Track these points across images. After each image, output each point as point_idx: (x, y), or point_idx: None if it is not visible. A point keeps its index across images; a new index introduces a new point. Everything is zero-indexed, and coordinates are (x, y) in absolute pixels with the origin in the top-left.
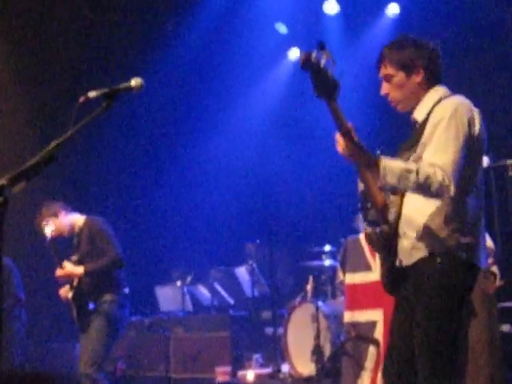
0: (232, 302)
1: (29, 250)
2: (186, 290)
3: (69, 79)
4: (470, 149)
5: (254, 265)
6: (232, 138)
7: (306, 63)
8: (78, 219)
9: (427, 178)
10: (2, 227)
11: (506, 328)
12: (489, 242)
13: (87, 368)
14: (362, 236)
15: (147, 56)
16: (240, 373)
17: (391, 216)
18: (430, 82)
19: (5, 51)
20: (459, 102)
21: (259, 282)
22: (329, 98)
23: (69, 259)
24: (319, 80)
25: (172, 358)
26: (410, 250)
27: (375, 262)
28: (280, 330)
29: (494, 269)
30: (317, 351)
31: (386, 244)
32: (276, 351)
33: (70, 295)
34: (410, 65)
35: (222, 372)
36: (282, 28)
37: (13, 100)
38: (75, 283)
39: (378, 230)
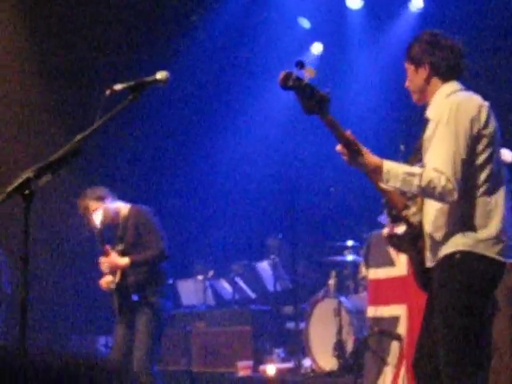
0: (254, 296)
1: (47, 242)
2: (207, 284)
3: (92, 72)
4: (474, 147)
5: (277, 259)
6: (256, 132)
7: (286, 83)
8: (123, 207)
9: (430, 182)
10: (29, 219)
11: None
12: None
13: (144, 364)
14: (385, 230)
15: (172, 49)
16: (261, 367)
17: (413, 217)
18: (439, 78)
19: (29, 44)
20: (462, 100)
21: (281, 276)
22: (321, 113)
23: (113, 249)
24: (305, 97)
25: (194, 352)
26: (433, 249)
27: (398, 258)
28: (302, 325)
29: None
30: (339, 346)
31: (410, 244)
32: (298, 346)
33: (112, 286)
34: (418, 59)
35: (243, 366)
36: (305, 23)
37: (38, 93)
38: (118, 274)
39: (398, 231)
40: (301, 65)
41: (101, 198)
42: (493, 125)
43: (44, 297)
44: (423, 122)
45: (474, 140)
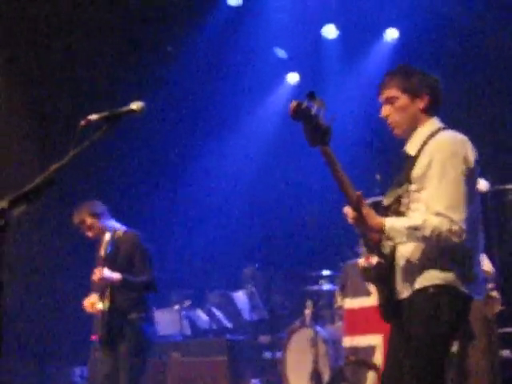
0: (230, 326)
1: (21, 270)
2: (183, 313)
3: (71, 102)
4: (470, 185)
5: (253, 289)
6: (231, 161)
7: (296, 113)
8: (117, 228)
9: (434, 230)
10: (3, 250)
11: (506, 353)
12: (488, 266)
13: None
14: (361, 260)
15: (148, 77)
16: None
17: (386, 249)
18: (431, 111)
19: (10, 74)
20: (453, 139)
21: (257, 306)
22: (322, 145)
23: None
24: (312, 129)
25: (169, 382)
26: (406, 282)
27: (373, 285)
28: (278, 355)
29: (494, 293)
30: (315, 376)
31: (382, 277)
32: (274, 376)
33: (99, 306)
34: (416, 90)
35: None
36: (280, 52)
37: (16, 122)
38: (108, 294)
39: (372, 263)
40: (312, 96)
41: (97, 215)
42: (476, 160)
43: (17, 326)
44: (401, 156)
45: (469, 178)
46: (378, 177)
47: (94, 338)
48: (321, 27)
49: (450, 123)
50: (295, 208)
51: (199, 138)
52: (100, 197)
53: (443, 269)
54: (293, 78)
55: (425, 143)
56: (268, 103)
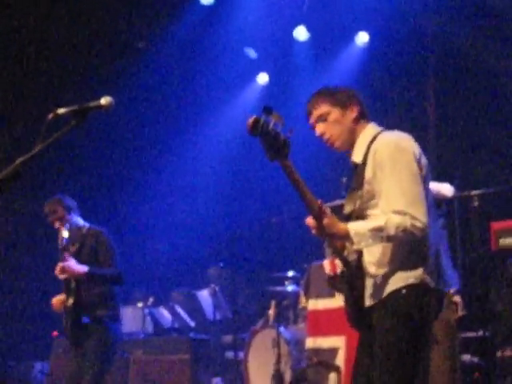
0: (193, 324)
1: None
2: (147, 311)
3: (39, 95)
4: (422, 180)
5: (217, 288)
6: (198, 160)
7: (254, 128)
8: (83, 225)
9: (397, 228)
10: None
11: (466, 358)
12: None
13: None
14: (325, 262)
15: (118, 73)
16: None
17: (352, 256)
18: (364, 118)
19: None
20: (397, 137)
21: (221, 305)
22: (281, 159)
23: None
24: (270, 143)
25: (131, 380)
26: (375, 287)
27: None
28: (241, 355)
29: (456, 298)
30: (277, 377)
31: (347, 284)
32: (236, 375)
33: (69, 302)
34: (344, 102)
35: None
36: (251, 52)
37: None
38: (73, 291)
39: (336, 272)
40: (268, 111)
41: (69, 209)
42: (424, 159)
43: None
44: (350, 167)
45: (420, 174)
46: (343, 179)
47: (54, 334)
48: (292, 29)
49: (418, 127)
50: (261, 208)
51: (166, 136)
52: (66, 192)
53: (411, 267)
54: (263, 78)
55: (368, 148)
56: (237, 103)
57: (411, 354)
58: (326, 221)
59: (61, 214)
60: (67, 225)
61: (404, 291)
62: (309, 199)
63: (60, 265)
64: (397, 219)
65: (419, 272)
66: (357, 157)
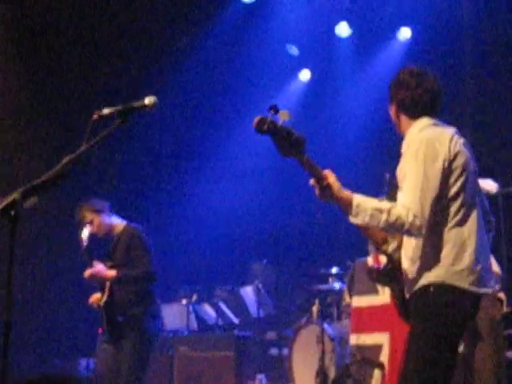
0: (237, 321)
1: (28, 263)
2: (191, 308)
3: (83, 95)
4: (445, 181)
5: (260, 285)
6: (242, 157)
7: (261, 127)
8: (118, 223)
9: (398, 218)
10: (14, 240)
11: (511, 354)
12: (496, 267)
13: None
14: (369, 259)
15: (160, 73)
16: None
17: (393, 250)
18: (406, 115)
19: (20, 71)
20: (431, 135)
21: (265, 302)
22: (297, 155)
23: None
24: (281, 140)
25: (176, 376)
26: (409, 282)
27: (382, 286)
28: (285, 351)
29: (501, 295)
30: (321, 373)
31: (391, 277)
32: (280, 372)
33: (102, 301)
34: (390, 97)
35: None
36: (293, 49)
37: (28, 115)
38: (107, 289)
39: (379, 266)
40: (275, 109)
41: (97, 211)
42: (464, 155)
43: (23, 318)
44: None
45: (443, 174)
46: (387, 176)
47: (100, 331)
48: (334, 25)
49: (457, 123)
50: (305, 205)
51: (210, 133)
52: (106, 192)
53: (442, 265)
54: (305, 75)
55: (411, 141)
56: (280, 100)
57: (434, 351)
58: (331, 180)
59: (90, 218)
60: (88, 225)
61: (432, 289)
62: (314, 170)
63: (89, 272)
64: (401, 211)
65: (443, 271)
66: (403, 147)
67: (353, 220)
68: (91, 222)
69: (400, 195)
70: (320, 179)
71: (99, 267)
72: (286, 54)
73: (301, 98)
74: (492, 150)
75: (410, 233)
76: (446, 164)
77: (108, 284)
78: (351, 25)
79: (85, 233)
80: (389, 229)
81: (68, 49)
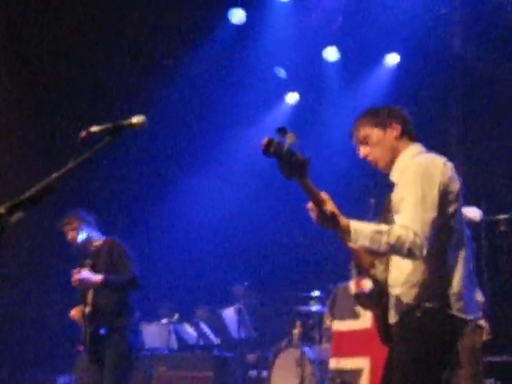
0: (217, 342)
1: (9, 275)
2: (171, 327)
3: (71, 113)
4: (440, 206)
5: (242, 306)
6: (225, 178)
7: (268, 149)
8: (98, 237)
9: (398, 238)
10: None
11: (490, 382)
12: (478, 296)
13: None
14: (351, 283)
15: (145, 89)
16: None
17: (380, 274)
18: (407, 137)
19: (9, 82)
20: (427, 160)
21: (246, 323)
22: (299, 178)
23: None
24: (286, 163)
25: None
26: (395, 305)
27: (363, 311)
28: (264, 373)
29: (482, 322)
30: None
31: (376, 302)
32: None
33: (87, 310)
34: (385, 122)
35: None
36: (281, 72)
37: (16, 129)
38: (90, 299)
39: (365, 290)
40: (283, 132)
41: (84, 220)
42: (457, 181)
43: (1, 333)
44: (389, 185)
45: (439, 199)
46: (372, 201)
47: (79, 348)
48: (322, 49)
49: (444, 149)
50: (287, 228)
51: (192, 153)
52: (93, 209)
53: (429, 290)
54: (292, 97)
55: (405, 168)
56: (267, 122)
57: (420, 375)
58: (328, 206)
59: (74, 225)
60: (81, 231)
61: (418, 314)
62: (315, 194)
63: (76, 277)
64: (401, 231)
65: (437, 296)
66: (394, 175)
67: (353, 245)
68: (74, 229)
69: (398, 217)
70: (318, 204)
71: (85, 272)
72: (273, 76)
73: (287, 120)
74: (477, 177)
75: (411, 253)
76: (442, 188)
77: (92, 294)
78: (339, 49)
79: (81, 235)
80: (390, 251)
81: (57, 67)
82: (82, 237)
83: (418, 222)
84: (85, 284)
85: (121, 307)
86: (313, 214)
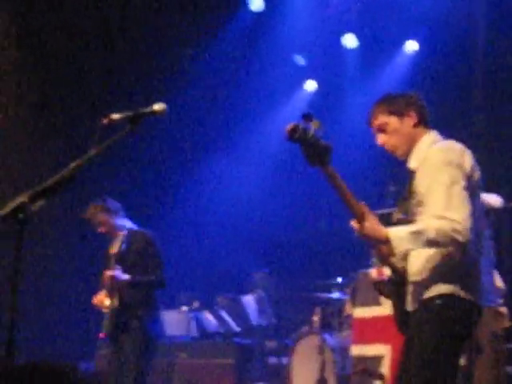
0: (238, 329)
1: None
2: (192, 315)
3: (89, 102)
4: (468, 190)
5: (262, 294)
6: (246, 165)
7: (293, 135)
8: (130, 227)
9: (438, 231)
10: (21, 243)
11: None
12: (499, 283)
13: None
14: (373, 271)
15: (166, 79)
16: None
17: (398, 263)
18: (424, 125)
19: (27, 72)
20: (447, 147)
21: (266, 311)
22: (322, 165)
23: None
24: (310, 150)
25: (175, 383)
26: (415, 293)
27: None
28: (285, 360)
29: (503, 309)
30: (321, 383)
31: (394, 290)
32: (280, 381)
33: (107, 303)
34: (402, 110)
35: None
36: (300, 60)
37: (36, 118)
38: (117, 294)
39: (384, 278)
40: (308, 118)
41: (111, 211)
42: (477, 169)
43: (22, 321)
44: (407, 172)
45: (467, 184)
46: (391, 188)
47: (101, 336)
48: (341, 36)
49: (466, 136)
50: (309, 214)
51: (214, 141)
52: (112, 196)
53: (447, 278)
54: (311, 85)
55: (425, 156)
56: (285, 110)
57: (439, 362)
58: (367, 224)
59: (102, 219)
60: (120, 230)
61: (438, 301)
62: (352, 203)
63: (108, 274)
64: (436, 223)
65: (455, 284)
66: (413, 163)
67: (398, 252)
68: (102, 222)
69: (430, 208)
70: (359, 219)
71: (117, 271)
72: (292, 64)
73: (306, 108)
74: (498, 164)
75: (455, 240)
76: (469, 175)
77: (118, 287)
78: (358, 36)
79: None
80: (434, 245)
81: (76, 56)
82: (109, 224)
83: (452, 208)
84: (115, 282)
85: (145, 301)
86: (356, 230)
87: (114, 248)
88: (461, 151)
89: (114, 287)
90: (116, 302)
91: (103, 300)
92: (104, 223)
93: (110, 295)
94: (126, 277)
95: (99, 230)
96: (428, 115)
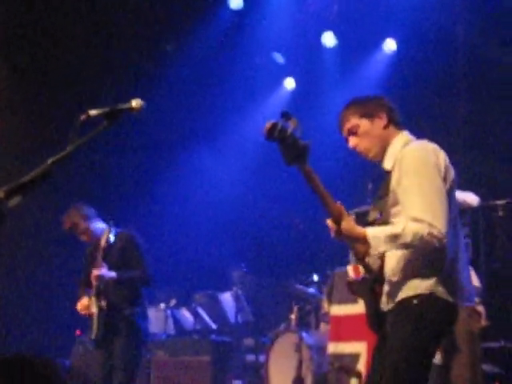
0: (215, 326)
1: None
2: (169, 312)
3: (69, 96)
4: (444, 190)
5: (239, 291)
6: (223, 163)
7: (271, 134)
8: (106, 227)
9: (414, 235)
10: None
11: (488, 368)
12: (475, 281)
13: None
14: (349, 268)
15: (145, 75)
16: None
17: (374, 263)
18: (394, 126)
19: (5, 68)
20: (422, 147)
21: (243, 308)
22: (300, 164)
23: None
24: (288, 149)
25: (152, 380)
26: (391, 293)
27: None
28: (262, 358)
29: (480, 308)
30: (298, 381)
31: (367, 290)
32: (257, 379)
33: (102, 304)
34: (372, 112)
35: None
36: (279, 57)
37: (13, 114)
38: (102, 293)
39: (358, 278)
40: (287, 116)
41: (88, 217)
42: (451, 170)
43: (4, 318)
44: (382, 173)
45: (443, 184)
46: (369, 186)
47: (78, 333)
48: (320, 34)
49: (445, 135)
50: (286, 213)
51: (193, 138)
52: (89, 195)
53: (425, 277)
54: (290, 83)
55: (399, 157)
56: (264, 107)
57: (414, 361)
58: (344, 224)
59: (83, 227)
60: (102, 233)
61: (415, 301)
62: (328, 202)
63: (95, 273)
64: (414, 227)
65: (432, 283)
66: (387, 164)
67: (375, 252)
68: (86, 231)
69: (407, 210)
70: (335, 218)
71: (104, 269)
72: (271, 61)
73: (285, 106)
74: (476, 163)
75: (431, 244)
76: (442, 175)
77: (104, 288)
78: (337, 35)
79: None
80: (411, 248)
81: (55, 51)
82: (90, 231)
83: (429, 211)
84: (101, 280)
85: (132, 298)
86: (331, 230)
87: (101, 251)
88: (435, 151)
89: (102, 288)
90: (104, 304)
91: (89, 305)
92: (85, 232)
93: (98, 297)
94: (112, 274)
95: (82, 238)
96: (398, 116)
